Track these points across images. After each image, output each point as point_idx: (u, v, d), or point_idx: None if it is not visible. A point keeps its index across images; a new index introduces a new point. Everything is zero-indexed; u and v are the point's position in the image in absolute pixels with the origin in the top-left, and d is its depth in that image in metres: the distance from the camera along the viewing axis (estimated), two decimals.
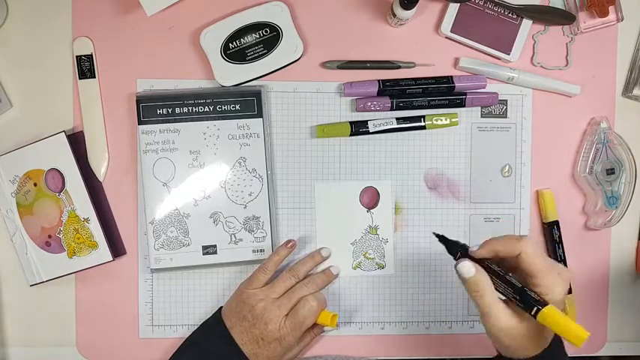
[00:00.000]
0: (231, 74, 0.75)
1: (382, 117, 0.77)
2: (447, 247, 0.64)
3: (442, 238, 0.65)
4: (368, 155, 0.78)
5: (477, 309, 0.58)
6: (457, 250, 0.63)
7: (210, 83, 0.76)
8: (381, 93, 0.76)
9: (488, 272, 0.59)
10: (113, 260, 0.74)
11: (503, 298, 0.58)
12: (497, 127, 0.79)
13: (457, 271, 0.59)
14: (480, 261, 0.59)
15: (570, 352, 0.81)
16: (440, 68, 0.78)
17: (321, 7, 0.77)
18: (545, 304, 0.55)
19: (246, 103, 0.75)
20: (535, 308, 0.55)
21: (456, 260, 0.61)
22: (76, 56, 0.75)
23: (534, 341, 0.58)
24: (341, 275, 0.78)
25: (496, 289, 0.58)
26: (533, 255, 0.56)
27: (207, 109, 0.75)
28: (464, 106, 0.77)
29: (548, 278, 0.56)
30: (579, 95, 0.78)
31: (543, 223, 0.79)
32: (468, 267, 0.58)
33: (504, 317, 0.56)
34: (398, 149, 0.78)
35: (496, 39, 0.77)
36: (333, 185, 0.78)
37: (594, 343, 0.81)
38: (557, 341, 0.59)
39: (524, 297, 0.56)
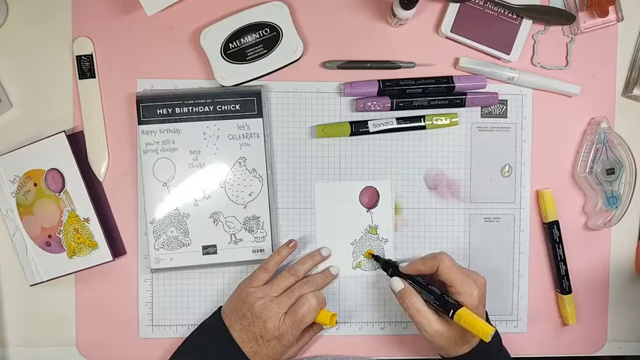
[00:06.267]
0: (231, 74, 0.75)
1: (382, 117, 0.77)
2: (381, 265, 0.76)
3: (376, 257, 0.77)
4: (368, 155, 0.78)
5: (412, 321, 0.69)
6: (389, 267, 0.75)
7: (210, 83, 0.76)
8: (381, 93, 0.76)
9: (414, 284, 0.70)
10: (113, 260, 0.74)
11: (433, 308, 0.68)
12: (497, 127, 0.79)
13: (390, 287, 0.71)
14: (408, 275, 0.71)
15: (570, 352, 0.82)
16: (440, 68, 0.78)
17: (321, 7, 0.77)
18: (460, 307, 0.66)
19: (246, 103, 0.75)
20: (451, 310, 0.66)
21: (389, 276, 0.73)
22: (76, 56, 0.75)
23: (464, 340, 0.67)
24: (341, 275, 0.78)
25: (422, 298, 0.69)
26: (449, 269, 0.68)
27: (207, 109, 0.75)
28: (464, 106, 0.77)
29: (464, 286, 0.67)
30: (579, 95, 0.78)
31: (543, 223, 0.79)
32: (397, 282, 0.70)
33: (435, 323, 0.67)
34: (398, 149, 0.78)
35: (496, 39, 0.77)
36: (333, 185, 0.78)
37: (594, 343, 0.81)
38: (495, 338, 0.67)
39: (442, 302, 0.67)
